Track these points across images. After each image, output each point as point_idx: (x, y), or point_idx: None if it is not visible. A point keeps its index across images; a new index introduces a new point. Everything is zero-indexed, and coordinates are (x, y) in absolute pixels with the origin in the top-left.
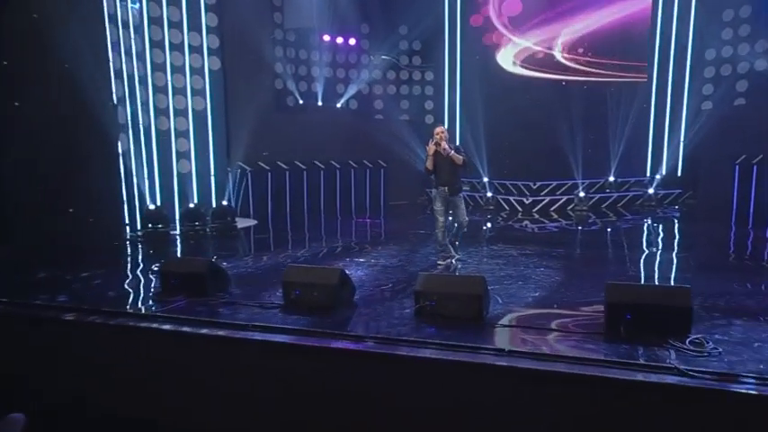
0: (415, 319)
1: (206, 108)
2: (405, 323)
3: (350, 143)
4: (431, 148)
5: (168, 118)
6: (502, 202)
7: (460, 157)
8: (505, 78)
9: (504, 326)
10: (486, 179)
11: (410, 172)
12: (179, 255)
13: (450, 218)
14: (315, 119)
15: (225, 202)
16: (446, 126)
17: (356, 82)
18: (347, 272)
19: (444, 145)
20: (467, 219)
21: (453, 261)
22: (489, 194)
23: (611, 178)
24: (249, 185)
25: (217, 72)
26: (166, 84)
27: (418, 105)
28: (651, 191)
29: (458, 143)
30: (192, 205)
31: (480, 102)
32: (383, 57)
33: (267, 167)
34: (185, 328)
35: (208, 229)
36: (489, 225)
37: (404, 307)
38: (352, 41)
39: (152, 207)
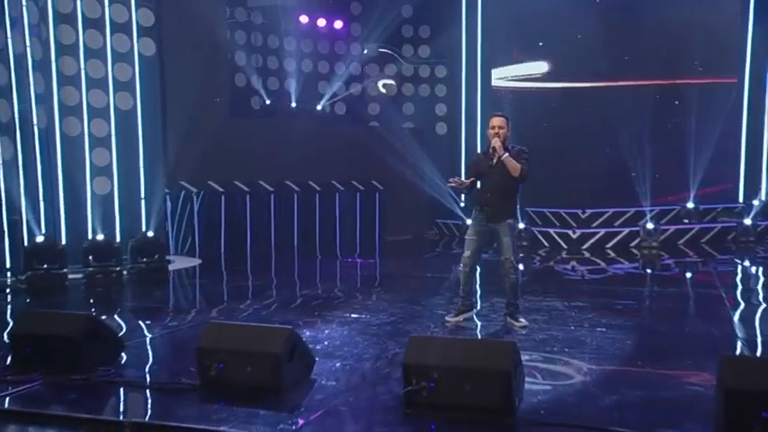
0: (403, 410)
1: (135, 107)
2: (389, 422)
3: (335, 158)
4: (495, 141)
5: (80, 119)
6: (539, 235)
7: (518, 165)
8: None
9: (549, 425)
10: (517, 206)
11: (414, 197)
12: (72, 307)
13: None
14: (288, 126)
15: (151, 234)
16: (464, 138)
17: (344, 79)
18: (318, 332)
19: (498, 143)
20: (516, 262)
21: (468, 315)
22: (522, 225)
23: (690, 205)
24: (195, 213)
25: (150, 59)
26: (78, 72)
27: (426, 110)
28: (748, 222)
29: (513, 146)
30: (100, 237)
31: (511, 106)
32: (380, 48)
33: (221, 189)
34: (31, 430)
35: (126, 272)
36: (522, 267)
37: (392, 390)
38: (338, 25)
39: (39, 239)
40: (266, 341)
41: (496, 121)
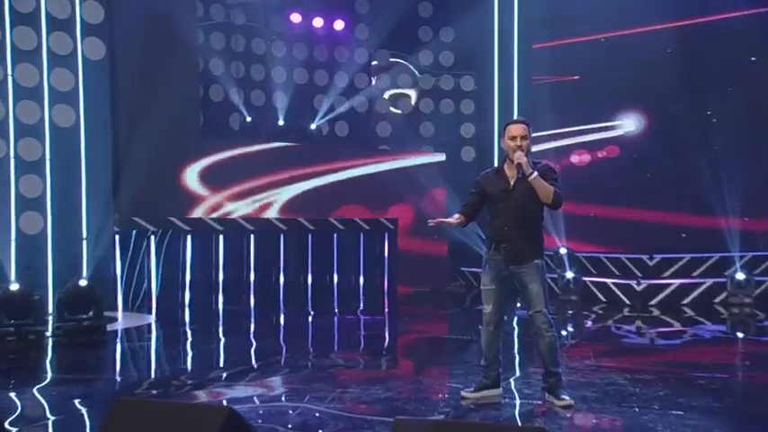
0: None
1: (77, 124)
2: None
3: (333, 189)
4: (520, 156)
5: (5, 139)
6: (593, 288)
7: (550, 188)
8: None
9: None
10: (563, 249)
11: (434, 239)
12: None
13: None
14: (274, 149)
15: (84, 283)
16: (495, 163)
17: (346, 93)
18: (286, 411)
19: (524, 159)
20: (549, 314)
21: (493, 393)
22: (570, 275)
23: None
24: (152, 257)
25: (98, 64)
26: (4, 81)
27: (450, 131)
28: None
29: (537, 161)
30: (14, 288)
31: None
32: (392, 58)
33: (186, 227)
34: None
35: (49, 332)
36: (571, 328)
37: None
38: (339, 26)
39: None
40: (194, 425)
41: (518, 129)
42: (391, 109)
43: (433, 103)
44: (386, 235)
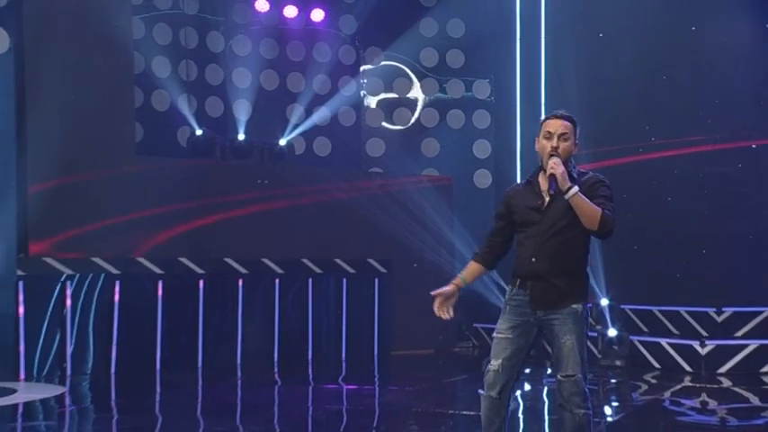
0: None
1: None
2: None
3: (308, 223)
4: (555, 164)
5: None
6: (643, 349)
7: (596, 208)
8: None
9: None
10: (604, 301)
11: (439, 287)
12: None
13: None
14: (232, 172)
15: None
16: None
17: (327, 101)
18: None
19: (560, 168)
20: (584, 382)
21: None
22: (613, 333)
23: None
24: (68, 309)
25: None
26: None
27: (459, 149)
28: None
29: (583, 172)
30: None
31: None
32: (384, 61)
33: (114, 270)
34: None
35: None
36: (614, 402)
37: None
38: (317, 16)
39: None
40: None
41: (556, 124)
42: (384, 124)
43: (439, 115)
44: (376, 281)
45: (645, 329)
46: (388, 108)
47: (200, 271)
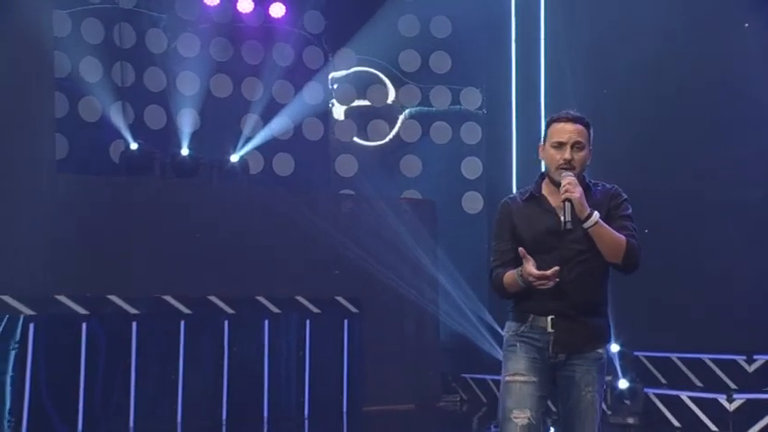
0: None
1: None
2: None
3: (265, 255)
4: (568, 182)
5: None
6: (660, 404)
7: (619, 237)
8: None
9: None
10: (614, 347)
11: (420, 330)
12: None
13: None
14: (173, 194)
15: None
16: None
17: (289, 111)
18: None
19: (576, 191)
20: None
21: None
22: (624, 385)
23: None
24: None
25: None
26: None
27: (445, 169)
28: None
29: (597, 184)
30: None
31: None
32: (356, 65)
33: (30, 312)
34: None
35: None
36: None
37: None
38: (277, 11)
39: None
40: None
41: (567, 130)
42: (356, 138)
43: (421, 128)
44: (345, 322)
45: (662, 381)
46: (361, 120)
47: (133, 311)
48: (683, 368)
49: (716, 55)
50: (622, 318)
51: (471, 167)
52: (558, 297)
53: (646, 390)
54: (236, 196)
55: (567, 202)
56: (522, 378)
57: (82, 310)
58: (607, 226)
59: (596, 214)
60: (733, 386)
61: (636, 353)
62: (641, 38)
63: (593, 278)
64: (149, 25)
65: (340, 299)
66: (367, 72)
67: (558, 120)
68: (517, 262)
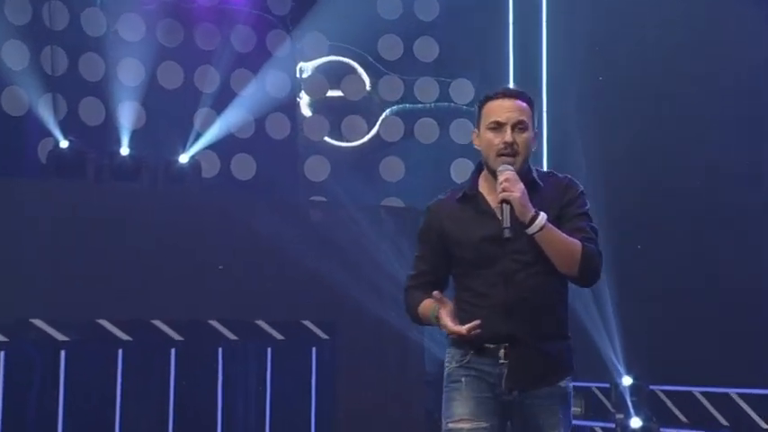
0: None
1: None
2: None
3: (219, 272)
4: (505, 179)
5: None
6: None
7: (574, 241)
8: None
9: None
10: (626, 380)
11: (402, 357)
12: None
13: None
14: (110, 200)
15: None
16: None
17: (249, 104)
18: None
19: (516, 190)
20: None
21: None
22: (637, 424)
23: None
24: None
25: None
26: None
27: (432, 171)
28: None
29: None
30: None
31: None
32: (328, 54)
33: (63, 336)
34: None
35: None
36: None
37: None
38: None
39: None
40: None
41: (507, 107)
42: (327, 138)
43: (404, 126)
44: (314, 351)
45: (683, 419)
46: (334, 116)
47: (62, 338)
48: (707, 404)
49: (724, 43)
50: (635, 346)
51: (461, 170)
52: (510, 319)
53: (663, 429)
54: (186, 203)
55: (504, 204)
56: (468, 425)
57: (2, 338)
58: (556, 229)
59: (542, 216)
60: (764, 426)
61: (651, 387)
62: (646, 30)
63: (548, 294)
64: (85, 5)
65: (307, 323)
66: (340, 61)
67: (495, 96)
68: (437, 285)
